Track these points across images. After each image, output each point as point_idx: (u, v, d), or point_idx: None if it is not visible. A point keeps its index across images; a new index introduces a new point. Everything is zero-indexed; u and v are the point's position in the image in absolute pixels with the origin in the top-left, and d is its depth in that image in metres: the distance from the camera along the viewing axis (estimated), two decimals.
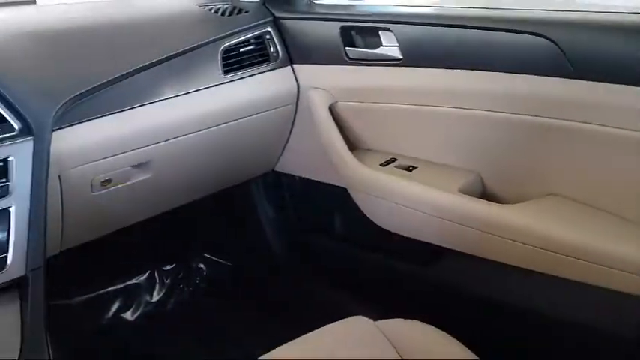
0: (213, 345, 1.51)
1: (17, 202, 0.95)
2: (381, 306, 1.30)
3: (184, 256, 1.79)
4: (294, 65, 1.41)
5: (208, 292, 1.77)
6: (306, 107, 1.40)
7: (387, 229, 1.31)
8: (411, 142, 1.30)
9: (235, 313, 1.64)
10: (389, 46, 1.24)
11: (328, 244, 1.67)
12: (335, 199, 1.48)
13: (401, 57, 1.21)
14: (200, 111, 1.25)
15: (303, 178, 1.59)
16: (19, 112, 0.97)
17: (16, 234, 0.95)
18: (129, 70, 1.13)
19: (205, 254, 1.82)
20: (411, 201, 1.21)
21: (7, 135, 0.95)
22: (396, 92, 1.25)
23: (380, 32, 1.25)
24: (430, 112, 1.20)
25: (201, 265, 1.81)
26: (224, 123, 1.30)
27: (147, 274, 1.73)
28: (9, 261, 0.95)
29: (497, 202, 1.15)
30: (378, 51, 1.26)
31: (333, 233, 1.64)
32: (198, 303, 1.73)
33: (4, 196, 0.94)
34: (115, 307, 1.65)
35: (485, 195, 1.20)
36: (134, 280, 1.71)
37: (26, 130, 0.97)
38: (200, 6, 1.38)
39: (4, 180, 0.94)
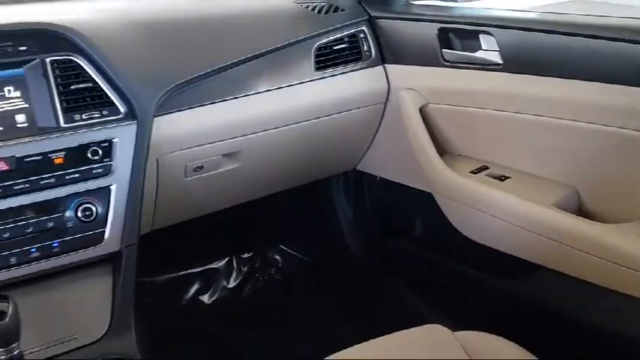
0: (284, 336, 1.54)
1: (118, 181, 1.01)
2: (459, 316, 1.27)
3: (262, 246, 1.83)
4: (387, 65, 1.40)
5: (283, 284, 1.80)
6: (396, 107, 1.38)
7: (473, 238, 1.27)
8: (504, 151, 1.25)
9: (308, 308, 1.65)
10: (489, 50, 1.20)
11: (408, 248, 1.64)
12: (418, 203, 1.45)
13: (501, 62, 1.17)
14: (291, 106, 1.27)
15: (386, 179, 1.57)
16: (126, 97, 1.02)
17: (114, 211, 1.01)
18: (227, 63, 1.17)
19: (282, 246, 1.85)
20: (503, 212, 1.16)
21: (114, 117, 1.01)
22: (492, 98, 1.21)
23: (480, 35, 1.21)
24: (527, 120, 1.15)
25: (278, 257, 1.84)
26: (313, 119, 1.31)
27: (225, 260, 1.78)
28: (106, 235, 1.01)
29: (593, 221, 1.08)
30: (478, 54, 1.22)
31: (414, 237, 1.62)
32: (273, 293, 1.76)
33: (106, 175, 1.00)
34: (193, 289, 1.72)
35: (581, 212, 1.14)
36: (213, 265, 1.77)
37: (131, 115, 1.02)
38: (297, 3, 1.40)
39: (107, 159, 1.00)
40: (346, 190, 1.77)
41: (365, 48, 1.38)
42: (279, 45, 1.24)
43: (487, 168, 1.26)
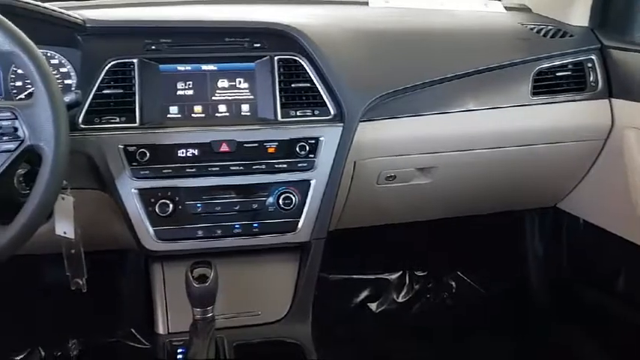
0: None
1: (318, 176, 1.07)
2: None
3: (438, 267, 1.78)
4: (613, 99, 1.27)
5: (453, 310, 1.74)
6: (617, 147, 1.24)
7: None
8: None
9: (476, 340, 1.57)
10: None
11: (602, 301, 1.47)
12: (625, 255, 1.29)
13: None
14: (498, 128, 1.22)
15: (590, 223, 1.42)
16: (338, 100, 1.07)
17: (310, 204, 1.07)
18: (439, 78, 1.16)
19: (459, 273, 1.78)
20: None
21: (324, 118, 1.07)
22: None
23: None
24: None
25: (453, 283, 1.78)
26: (519, 145, 1.24)
27: (399, 273, 1.77)
28: (299, 225, 1.07)
29: None
30: None
31: (613, 291, 1.44)
32: (442, 317, 1.71)
33: (309, 169, 1.06)
34: (363, 295, 1.74)
35: None
36: (386, 276, 1.77)
37: (339, 117, 1.07)
38: (523, 24, 1.33)
39: (312, 155, 1.06)
40: (541, 228, 1.64)
41: (591, 78, 1.27)
42: (496, 65, 1.20)
43: None
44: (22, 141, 0.78)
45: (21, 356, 1.47)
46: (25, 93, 1.08)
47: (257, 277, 1.14)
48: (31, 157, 0.83)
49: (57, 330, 1.50)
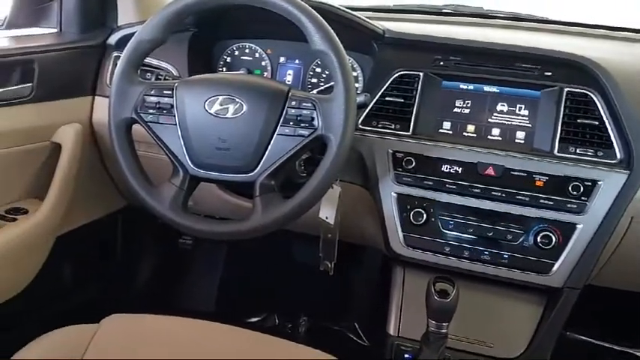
0: None
1: (586, 222, 0.98)
2: None
3: None
4: None
5: None
6: None
7: None
8: None
9: None
10: None
11: None
12: None
13: None
14: None
15: None
16: (628, 143, 0.96)
17: (571, 250, 0.99)
18: None
19: None
20: None
21: (607, 161, 0.98)
22: None
23: None
24: None
25: None
26: None
27: None
28: (554, 269, 1.00)
29: None
30: None
31: None
32: None
33: (578, 213, 0.98)
34: None
35: None
36: (634, 351, 1.53)
37: (625, 163, 0.97)
38: None
39: (584, 198, 0.97)
40: None
41: None
42: None
43: None
44: (315, 129, 0.88)
45: (257, 318, 1.66)
46: (317, 90, 1.22)
47: (496, 309, 1.09)
48: (316, 145, 0.93)
49: (291, 304, 1.65)
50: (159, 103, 0.92)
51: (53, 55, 1.18)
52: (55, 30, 1.29)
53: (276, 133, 0.89)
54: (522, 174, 1.00)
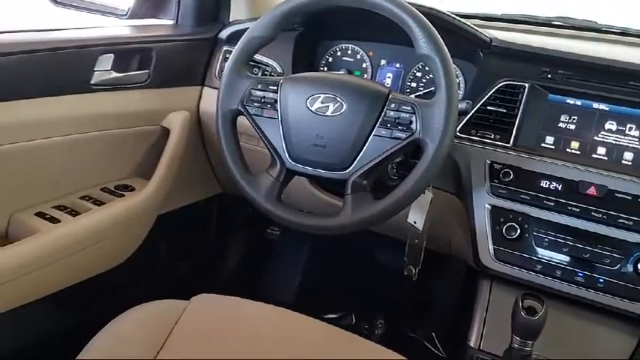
0: None
1: None
2: None
3: None
4: None
5: None
6: None
7: None
8: None
9: None
10: None
11: None
12: None
13: None
14: None
15: None
16: None
17: None
18: None
19: None
20: None
21: None
22: None
23: None
24: None
25: None
26: None
27: None
28: None
29: None
30: None
31: None
32: None
33: None
34: None
35: None
36: None
37: None
38: None
39: None
40: None
41: None
42: None
43: None
44: (412, 133, 0.88)
45: (334, 315, 1.67)
46: (416, 94, 1.22)
47: (584, 334, 1.04)
48: (410, 149, 0.93)
49: (370, 305, 1.66)
50: (264, 97, 0.96)
51: (169, 45, 1.27)
52: (171, 22, 1.38)
53: (372, 133, 0.90)
54: (627, 197, 0.95)
